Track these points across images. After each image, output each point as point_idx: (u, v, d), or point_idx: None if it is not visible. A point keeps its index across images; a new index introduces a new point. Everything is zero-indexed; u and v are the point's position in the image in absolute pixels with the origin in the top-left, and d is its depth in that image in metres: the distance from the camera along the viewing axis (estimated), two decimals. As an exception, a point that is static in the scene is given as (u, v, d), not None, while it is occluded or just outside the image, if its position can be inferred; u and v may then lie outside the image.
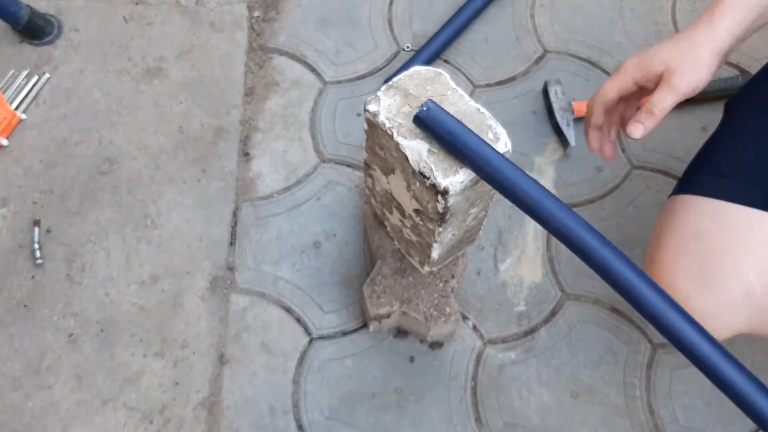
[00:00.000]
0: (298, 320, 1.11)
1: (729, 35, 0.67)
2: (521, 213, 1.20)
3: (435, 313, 0.95)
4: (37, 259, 1.12)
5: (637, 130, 0.67)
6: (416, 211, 0.76)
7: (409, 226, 0.83)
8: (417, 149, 0.66)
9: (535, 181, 0.58)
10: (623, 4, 1.42)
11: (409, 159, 0.67)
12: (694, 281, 0.71)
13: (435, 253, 0.82)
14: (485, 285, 1.14)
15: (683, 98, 0.69)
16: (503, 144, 0.67)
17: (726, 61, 1.34)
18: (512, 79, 1.32)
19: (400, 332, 1.10)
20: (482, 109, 0.69)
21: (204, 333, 1.09)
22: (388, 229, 0.95)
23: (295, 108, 1.29)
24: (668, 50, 0.69)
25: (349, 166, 1.23)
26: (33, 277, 1.12)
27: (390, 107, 0.69)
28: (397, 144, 0.68)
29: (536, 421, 1.05)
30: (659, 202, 1.20)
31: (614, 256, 0.53)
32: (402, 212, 0.82)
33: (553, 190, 1.21)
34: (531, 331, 1.11)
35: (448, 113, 0.61)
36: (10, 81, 1.27)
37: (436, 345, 1.09)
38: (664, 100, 0.66)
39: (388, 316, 1.00)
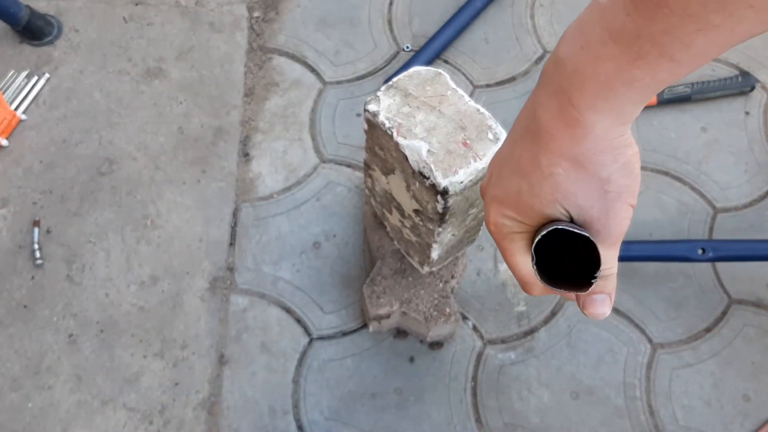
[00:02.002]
0: (298, 321, 1.11)
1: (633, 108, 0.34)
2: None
3: (435, 313, 0.95)
4: (37, 259, 1.12)
5: (602, 303, 0.40)
6: (416, 211, 0.76)
7: (408, 226, 0.83)
8: (416, 149, 0.66)
9: None
10: (623, 5, 1.42)
11: (409, 159, 0.67)
12: None
13: (435, 254, 0.82)
14: (485, 285, 1.14)
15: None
16: (503, 144, 0.67)
17: (726, 62, 1.35)
18: (512, 79, 1.32)
19: (400, 332, 1.10)
20: (482, 110, 0.69)
21: (204, 333, 1.09)
22: (388, 229, 0.95)
23: (295, 108, 1.28)
24: (555, 188, 0.37)
25: (348, 166, 1.23)
26: (33, 277, 1.12)
27: (390, 107, 0.69)
28: (396, 144, 0.68)
29: (536, 422, 1.05)
30: (659, 202, 1.20)
31: None
32: (402, 212, 0.82)
33: (553, 191, 1.21)
34: (531, 332, 1.11)
35: None
36: (10, 81, 1.27)
37: (436, 345, 1.09)
38: (608, 259, 0.39)
39: (388, 316, 1.00)
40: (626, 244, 1.09)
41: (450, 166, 0.65)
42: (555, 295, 1.13)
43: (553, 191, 0.37)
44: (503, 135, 0.67)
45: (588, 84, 0.33)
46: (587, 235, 0.34)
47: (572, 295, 0.42)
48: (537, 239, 0.35)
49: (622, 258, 1.10)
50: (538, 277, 0.36)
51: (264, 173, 1.22)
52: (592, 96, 0.33)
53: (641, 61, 0.31)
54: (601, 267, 0.38)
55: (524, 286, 0.43)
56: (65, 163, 1.21)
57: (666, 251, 1.09)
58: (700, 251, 1.07)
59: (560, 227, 0.35)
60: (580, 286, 0.35)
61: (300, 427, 1.04)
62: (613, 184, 0.36)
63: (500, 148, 0.42)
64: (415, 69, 0.71)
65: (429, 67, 0.72)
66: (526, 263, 0.41)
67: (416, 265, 0.93)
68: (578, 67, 0.33)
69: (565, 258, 0.38)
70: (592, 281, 0.35)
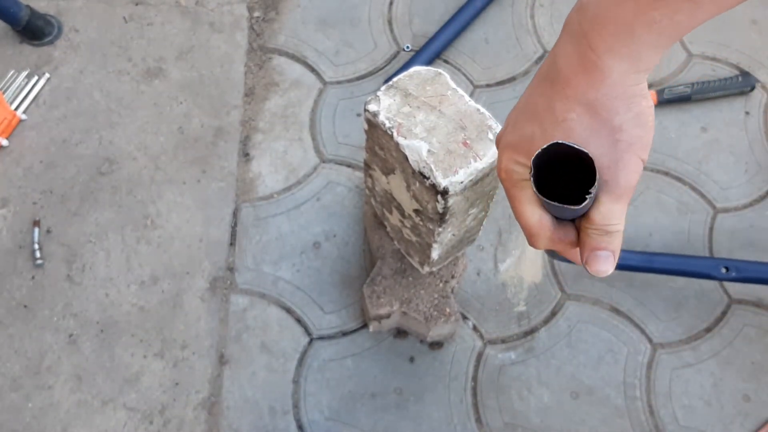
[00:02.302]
0: (298, 320, 1.11)
1: (652, 54, 0.35)
2: (521, 213, 1.20)
3: (435, 313, 0.95)
4: (37, 259, 1.12)
5: (606, 260, 0.40)
6: (416, 211, 0.76)
7: (408, 226, 0.83)
8: (417, 149, 0.66)
9: None
10: (623, 5, 1.42)
11: (409, 159, 0.67)
12: None
13: (435, 254, 0.82)
14: (485, 285, 1.14)
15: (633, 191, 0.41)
16: (503, 144, 0.67)
17: (726, 62, 1.35)
18: (512, 79, 1.32)
19: (400, 332, 1.10)
20: (482, 110, 0.69)
21: (204, 333, 1.09)
22: (388, 229, 0.95)
23: (295, 108, 1.28)
24: (567, 134, 0.38)
25: (349, 166, 1.23)
26: (33, 277, 1.12)
27: (390, 107, 0.69)
28: (397, 144, 0.68)
29: (536, 422, 1.05)
30: (659, 202, 1.20)
31: None
32: (402, 212, 0.82)
33: (553, 191, 1.21)
34: (531, 332, 1.11)
35: None
36: (10, 81, 1.27)
37: (436, 345, 1.09)
38: (614, 212, 0.39)
39: (388, 316, 1.00)
40: (649, 255, 1.09)
41: (450, 166, 0.65)
42: (555, 293, 1.13)
43: (565, 137, 0.37)
44: (503, 135, 0.67)
45: (608, 26, 0.34)
46: (584, 150, 0.34)
47: (577, 256, 0.42)
48: (536, 153, 0.35)
49: (645, 269, 1.09)
50: (535, 189, 0.36)
51: (264, 173, 1.22)
52: (611, 38, 0.34)
53: (660, 2, 0.31)
54: (606, 221, 0.39)
55: (530, 237, 0.43)
56: (65, 163, 1.21)
57: (689, 266, 1.08)
58: (723, 270, 1.06)
59: (560, 141, 0.35)
60: (576, 202, 0.35)
61: (300, 427, 1.04)
62: (625, 133, 0.36)
63: (519, 99, 0.42)
64: (415, 69, 0.71)
65: (429, 67, 0.72)
66: (533, 212, 0.41)
67: (416, 265, 0.93)
68: (599, 10, 0.34)
69: (563, 180, 0.38)
70: (587, 196, 0.35)
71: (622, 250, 1.09)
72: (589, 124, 0.37)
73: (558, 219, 0.42)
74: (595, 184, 0.34)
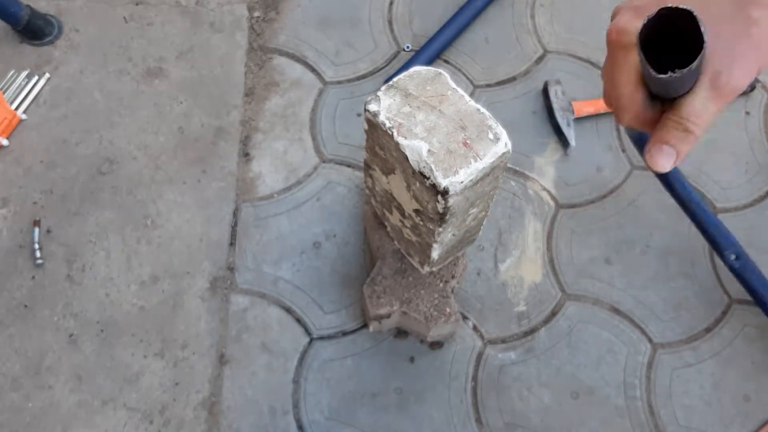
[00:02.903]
0: (299, 320, 1.11)
1: None
2: (521, 213, 1.20)
3: (435, 313, 0.95)
4: (38, 259, 1.12)
5: (668, 158, 0.38)
6: (416, 211, 0.76)
7: (409, 226, 0.83)
8: (417, 149, 0.66)
9: None
10: (623, 4, 1.42)
11: (409, 159, 0.67)
12: None
13: (435, 254, 0.82)
14: (485, 285, 1.14)
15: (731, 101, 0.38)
16: (503, 144, 0.67)
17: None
18: (512, 79, 1.32)
19: (400, 332, 1.10)
20: (482, 110, 0.69)
21: (204, 333, 1.09)
22: (388, 229, 0.95)
23: (295, 108, 1.28)
24: (704, 12, 0.33)
25: (349, 166, 1.23)
26: (33, 277, 1.12)
27: (390, 107, 0.69)
28: (397, 144, 0.68)
29: (536, 422, 1.05)
30: (659, 202, 1.20)
31: None
32: (402, 212, 0.82)
33: (553, 191, 1.21)
34: (531, 332, 1.11)
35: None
36: (11, 81, 1.27)
37: (436, 345, 1.09)
38: (705, 110, 0.36)
39: (388, 316, 1.00)
40: (690, 191, 1.06)
41: (450, 166, 0.65)
42: (555, 293, 1.13)
43: (698, 11, 0.34)
44: (503, 135, 0.67)
45: None
46: (691, 9, 0.32)
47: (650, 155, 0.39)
48: (648, 17, 0.33)
49: (681, 198, 1.05)
50: (641, 55, 0.34)
51: (264, 173, 1.22)
52: None
53: None
54: (691, 115, 0.36)
55: (618, 110, 0.40)
56: (65, 162, 1.21)
57: (712, 227, 1.06)
58: (732, 257, 1.05)
59: (670, 5, 0.32)
60: (682, 66, 0.33)
61: (300, 427, 1.04)
62: (759, 29, 0.35)
63: None
64: (415, 69, 0.71)
65: (429, 67, 0.72)
66: (629, 83, 0.39)
67: (416, 265, 0.93)
68: None
69: (670, 52, 0.35)
70: (695, 60, 0.32)
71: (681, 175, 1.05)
72: (728, 5, 0.35)
73: (651, 98, 0.39)
74: (704, 48, 0.32)
